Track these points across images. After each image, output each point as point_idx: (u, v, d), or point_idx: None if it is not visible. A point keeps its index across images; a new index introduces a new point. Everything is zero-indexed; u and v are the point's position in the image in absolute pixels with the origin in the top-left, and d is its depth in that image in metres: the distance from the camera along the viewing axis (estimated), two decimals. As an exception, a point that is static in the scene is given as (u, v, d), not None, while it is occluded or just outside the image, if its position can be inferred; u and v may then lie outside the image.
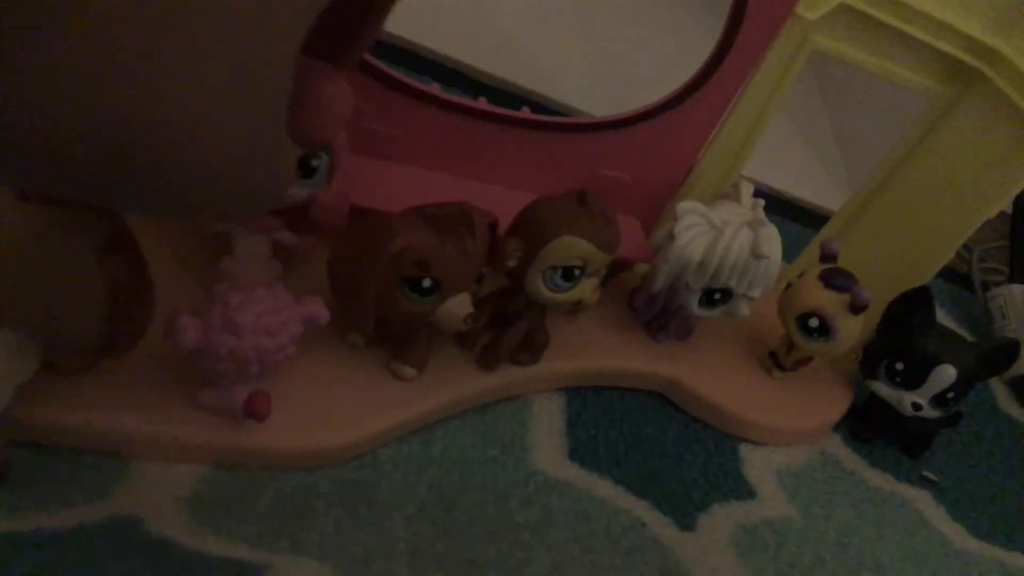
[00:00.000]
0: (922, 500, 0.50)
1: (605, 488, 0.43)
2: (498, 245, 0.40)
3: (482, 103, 0.45)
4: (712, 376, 0.50)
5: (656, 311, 0.48)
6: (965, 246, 0.74)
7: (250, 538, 0.30)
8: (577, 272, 0.41)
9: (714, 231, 0.45)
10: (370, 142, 0.45)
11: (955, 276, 0.78)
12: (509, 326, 0.44)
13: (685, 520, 0.42)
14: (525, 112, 0.46)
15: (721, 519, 0.43)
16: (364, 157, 0.45)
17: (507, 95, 0.69)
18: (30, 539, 0.26)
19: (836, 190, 0.74)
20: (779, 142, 0.75)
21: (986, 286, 0.77)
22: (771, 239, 0.45)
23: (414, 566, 0.30)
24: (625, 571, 0.35)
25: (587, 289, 0.42)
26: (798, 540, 0.43)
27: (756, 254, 0.44)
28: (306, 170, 0.34)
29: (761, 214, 0.46)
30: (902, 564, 0.44)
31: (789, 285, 0.50)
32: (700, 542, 0.41)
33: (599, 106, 0.68)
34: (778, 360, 0.51)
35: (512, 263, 0.40)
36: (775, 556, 0.41)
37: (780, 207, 0.72)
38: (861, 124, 0.79)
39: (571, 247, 0.40)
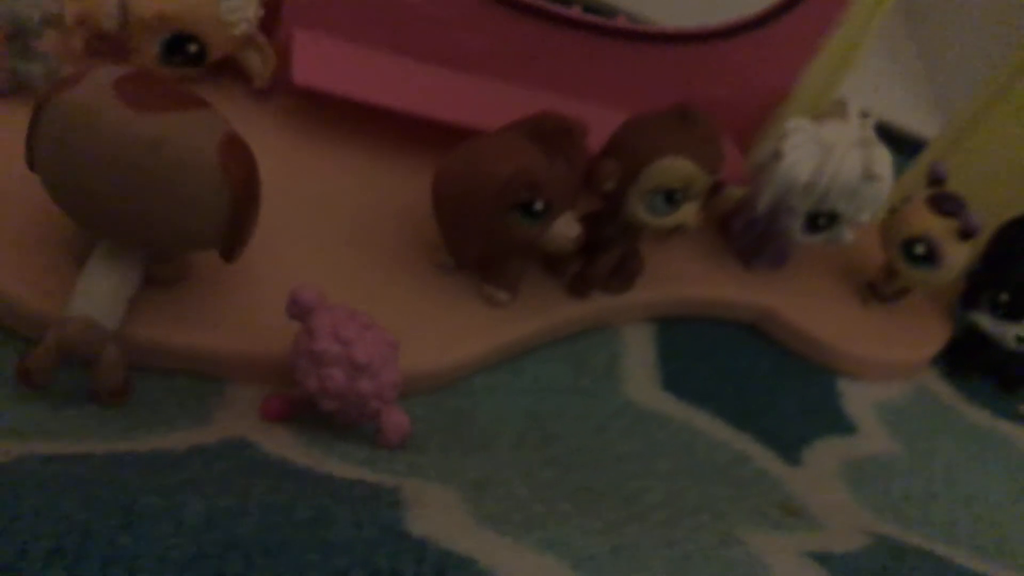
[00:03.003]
0: (1022, 437, 0.48)
1: (703, 420, 0.41)
2: (593, 167, 0.38)
3: (575, 12, 0.42)
4: (807, 307, 0.48)
5: (754, 236, 0.46)
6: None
7: (365, 461, 0.29)
8: (678, 195, 0.39)
9: (823, 150, 0.42)
10: (457, 54, 0.42)
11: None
12: (602, 252, 0.41)
13: (790, 454, 0.41)
14: (621, 20, 0.43)
15: (825, 454, 0.41)
16: (450, 71, 0.43)
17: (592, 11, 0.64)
18: (155, 460, 0.25)
19: (923, 113, 0.70)
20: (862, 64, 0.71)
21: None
22: (883, 159, 0.42)
23: (533, 492, 0.29)
24: (740, 502, 0.33)
25: (689, 213, 0.40)
26: (906, 475, 0.41)
27: (868, 175, 0.42)
28: None
29: (871, 133, 0.43)
30: (1011, 503, 0.42)
31: (893, 210, 0.47)
32: (809, 476, 0.39)
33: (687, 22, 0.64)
34: (877, 290, 0.49)
35: (609, 187, 0.38)
36: (886, 491, 0.40)
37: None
38: (948, 44, 0.74)
39: (674, 169, 0.38)
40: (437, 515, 0.24)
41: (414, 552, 0.22)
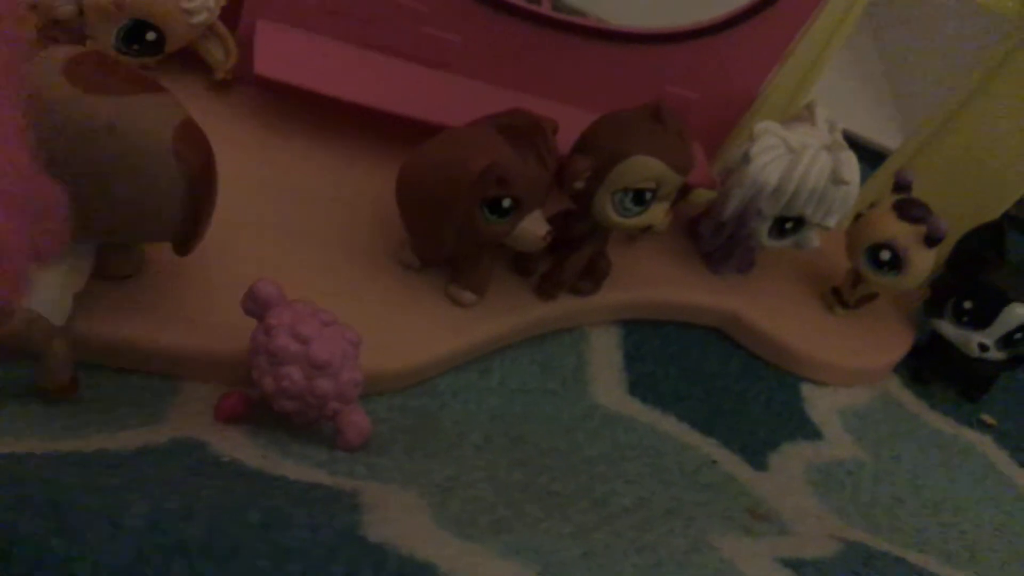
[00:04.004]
0: (985, 444, 0.49)
1: (670, 424, 0.41)
2: (564, 165, 0.37)
3: (545, 8, 0.41)
4: (773, 312, 0.47)
5: (722, 240, 0.46)
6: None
7: (323, 463, 0.28)
8: (648, 195, 0.38)
9: (792, 154, 0.42)
10: (426, 49, 0.41)
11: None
12: (571, 252, 0.41)
13: (756, 459, 0.40)
14: (591, 19, 0.42)
15: (792, 458, 0.41)
16: (416, 66, 0.42)
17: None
18: (99, 460, 0.24)
19: (885, 125, 0.71)
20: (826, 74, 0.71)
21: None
22: (851, 164, 0.42)
23: (499, 495, 0.28)
24: (709, 507, 0.33)
25: (658, 214, 0.39)
26: (872, 481, 0.41)
27: (836, 180, 0.42)
28: None
29: (840, 138, 0.43)
30: (978, 507, 0.42)
31: (859, 216, 0.47)
32: (776, 481, 0.39)
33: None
34: (841, 297, 0.49)
35: (580, 185, 0.38)
36: (853, 496, 0.40)
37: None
38: (911, 57, 0.75)
39: (644, 168, 0.37)
40: (397, 519, 0.23)
41: (372, 557, 0.21)
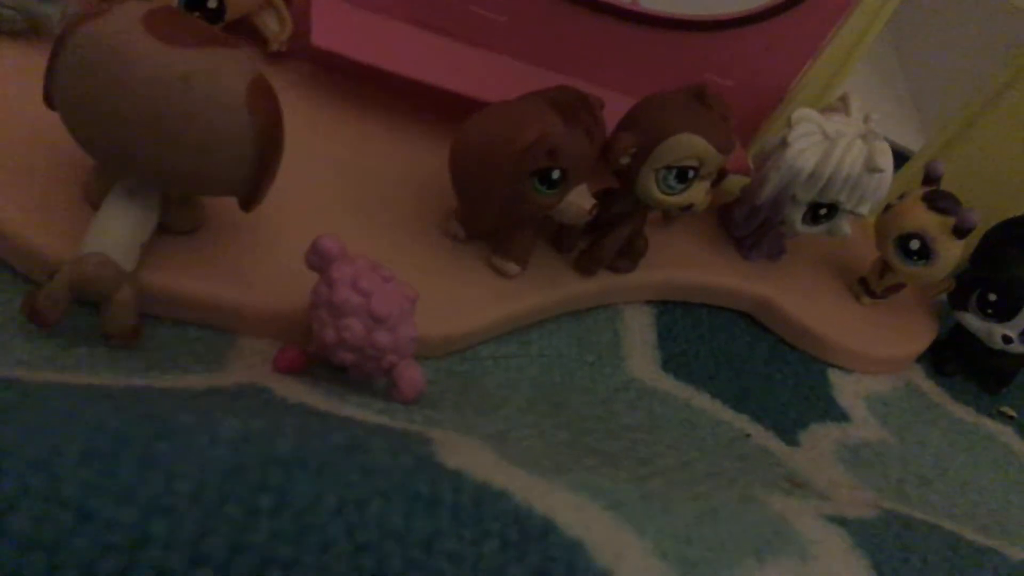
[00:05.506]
0: (1006, 434, 0.49)
1: (703, 400, 0.41)
2: (610, 141, 0.38)
3: (593, -8, 0.43)
4: (803, 299, 0.48)
5: (756, 225, 0.47)
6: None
7: (382, 411, 0.28)
8: (691, 173, 0.39)
9: (828, 142, 0.43)
10: (474, 28, 0.42)
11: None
12: (610, 231, 0.42)
13: (787, 436, 0.41)
14: (635, 3, 0.43)
15: (821, 437, 0.42)
16: (465, 45, 0.43)
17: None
18: (172, 393, 0.25)
19: (904, 124, 0.72)
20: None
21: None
22: (885, 153, 0.43)
23: (551, 448, 0.29)
24: (747, 474, 0.34)
25: (699, 193, 0.40)
26: (900, 462, 0.42)
27: (870, 167, 0.42)
28: None
29: (874, 127, 0.44)
30: (1004, 492, 0.43)
31: (889, 206, 0.48)
32: (808, 455, 0.39)
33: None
34: (868, 286, 0.50)
35: (625, 160, 0.39)
36: (883, 474, 0.40)
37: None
38: (931, 57, 0.77)
39: (688, 145, 0.38)
40: (468, 453, 0.24)
41: (451, 481, 0.21)
